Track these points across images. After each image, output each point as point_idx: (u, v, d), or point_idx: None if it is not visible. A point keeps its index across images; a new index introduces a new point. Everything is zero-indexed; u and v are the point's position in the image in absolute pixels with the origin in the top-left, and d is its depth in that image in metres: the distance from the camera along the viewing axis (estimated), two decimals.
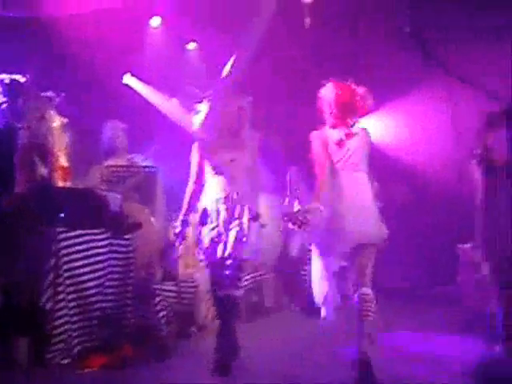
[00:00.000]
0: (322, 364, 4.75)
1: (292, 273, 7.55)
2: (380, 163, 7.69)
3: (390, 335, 5.43)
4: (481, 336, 4.95)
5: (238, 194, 4.53)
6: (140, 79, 7.79)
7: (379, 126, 7.55)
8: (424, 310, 6.63)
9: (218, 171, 4.54)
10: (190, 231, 6.20)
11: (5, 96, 5.11)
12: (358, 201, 4.23)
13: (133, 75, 7.85)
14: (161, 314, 5.24)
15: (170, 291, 5.67)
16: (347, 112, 4.32)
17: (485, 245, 4.86)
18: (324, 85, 4.38)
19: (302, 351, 5.15)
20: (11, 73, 5.26)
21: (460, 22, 6.55)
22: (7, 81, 5.18)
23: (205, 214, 4.61)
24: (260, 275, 7.05)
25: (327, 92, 4.36)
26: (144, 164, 5.81)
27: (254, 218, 4.59)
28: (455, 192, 5.17)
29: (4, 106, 5.07)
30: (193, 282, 5.92)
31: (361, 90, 4.32)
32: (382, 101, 7.04)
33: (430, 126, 7.00)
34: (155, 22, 8.03)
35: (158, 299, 5.31)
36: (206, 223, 4.59)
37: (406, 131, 7.36)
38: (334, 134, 4.31)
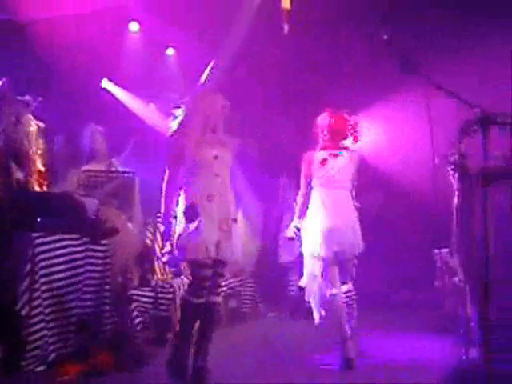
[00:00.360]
0: (300, 370, 4.77)
1: (273, 278, 7.59)
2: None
3: (369, 340, 5.49)
4: (458, 340, 5.00)
5: (221, 191, 4.46)
6: (118, 84, 7.77)
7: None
8: (402, 315, 6.69)
9: (202, 167, 4.47)
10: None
11: None
12: (338, 216, 4.95)
13: (110, 80, 7.83)
14: (137, 320, 5.22)
15: (146, 297, 5.64)
16: (337, 137, 5.09)
17: (460, 250, 4.92)
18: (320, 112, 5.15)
19: (280, 357, 5.16)
20: None
21: (439, 29, 6.65)
22: None
23: (192, 211, 4.41)
24: (239, 280, 7.07)
25: (322, 119, 5.15)
26: (122, 169, 5.78)
27: (235, 219, 4.55)
28: (431, 198, 5.24)
29: None
30: (170, 287, 5.90)
31: (353, 120, 5.09)
32: (359, 107, 7.11)
33: (407, 133, 7.07)
34: (134, 27, 8.03)
35: (134, 305, 5.29)
36: (193, 220, 4.38)
37: (383, 138, 7.42)
38: (321, 155, 5.08)
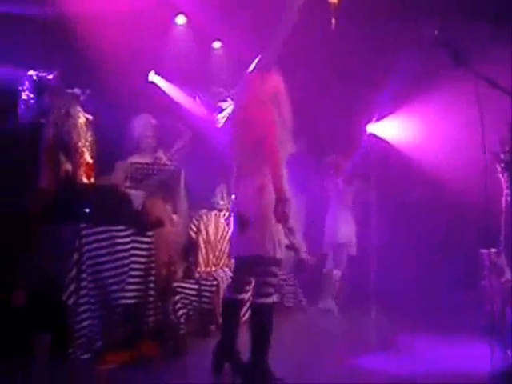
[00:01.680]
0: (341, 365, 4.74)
1: (316, 272, 7.57)
2: (401, 164, 7.66)
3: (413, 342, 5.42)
4: (504, 341, 4.90)
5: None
6: (165, 77, 7.81)
7: (403, 126, 7.51)
8: (447, 316, 6.58)
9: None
10: (210, 228, 6.24)
11: (32, 92, 5.16)
12: None
13: (157, 73, 7.87)
14: (181, 312, 5.27)
15: (190, 289, 5.69)
16: None
17: (509, 249, 4.82)
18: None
19: (322, 350, 5.15)
20: (38, 70, 5.30)
21: (489, 23, 6.50)
22: (35, 77, 5.24)
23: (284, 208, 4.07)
24: (281, 275, 7.05)
25: None
26: (168, 162, 5.81)
27: None
28: (479, 196, 5.11)
29: (31, 102, 5.13)
30: (213, 279, 5.94)
31: None
32: (407, 101, 6.99)
33: (455, 129, 6.93)
34: (180, 20, 8.05)
35: (178, 297, 5.34)
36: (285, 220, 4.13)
37: (431, 133, 7.30)
38: None
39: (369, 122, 7.91)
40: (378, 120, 7.82)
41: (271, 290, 4.15)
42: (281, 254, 4.17)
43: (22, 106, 5.18)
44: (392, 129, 7.67)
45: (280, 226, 4.14)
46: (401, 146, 7.60)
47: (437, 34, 3.58)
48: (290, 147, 4.26)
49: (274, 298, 4.22)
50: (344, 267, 7.65)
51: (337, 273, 7.56)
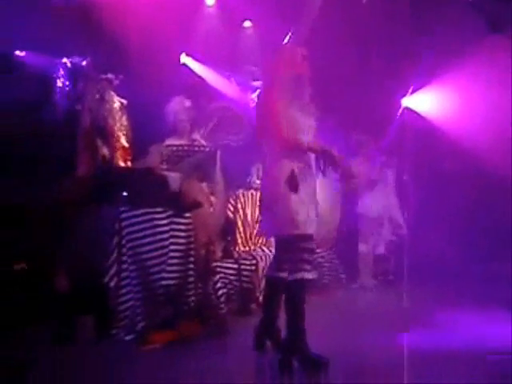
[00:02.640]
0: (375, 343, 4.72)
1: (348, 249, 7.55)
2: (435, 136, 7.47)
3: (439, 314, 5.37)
4: None
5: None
6: (196, 59, 7.80)
7: (438, 98, 7.35)
8: (476, 287, 6.46)
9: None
10: (247, 207, 6.26)
11: (66, 79, 5.23)
12: None
13: (188, 55, 7.87)
14: (221, 292, 5.30)
15: (229, 269, 5.72)
16: None
17: None
18: None
19: (358, 328, 5.14)
20: (72, 57, 5.36)
21: None
22: (69, 64, 5.29)
23: (293, 178, 4.14)
24: (320, 252, 7.04)
25: None
26: (204, 143, 5.82)
27: None
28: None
29: (66, 89, 5.19)
30: (252, 259, 5.97)
31: None
32: (441, 72, 6.84)
33: (490, 98, 6.77)
34: (210, 0, 8.02)
35: (218, 277, 5.37)
36: (296, 190, 4.13)
37: (464, 103, 7.12)
38: None
39: (404, 95, 7.80)
40: (413, 92, 7.70)
41: (306, 266, 4.15)
42: (312, 229, 4.19)
43: (58, 93, 5.25)
44: (426, 101, 7.53)
45: (307, 202, 4.15)
46: (435, 118, 7.46)
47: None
48: (311, 132, 4.22)
49: (310, 275, 4.18)
50: (382, 243, 7.61)
51: (369, 248, 7.50)
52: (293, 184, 4.09)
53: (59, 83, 5.26)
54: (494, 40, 3.57)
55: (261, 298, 5.77)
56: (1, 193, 5.09)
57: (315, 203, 4.26)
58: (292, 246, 4.17)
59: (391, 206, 7.63)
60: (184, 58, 7.80)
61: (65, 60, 5.37)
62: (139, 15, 6.67)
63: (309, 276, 4.16)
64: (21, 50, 6.45)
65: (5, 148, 5.36)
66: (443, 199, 7.27)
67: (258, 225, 6.15)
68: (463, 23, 5.80)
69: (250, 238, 6.30)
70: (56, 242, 5.01)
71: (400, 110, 7.70)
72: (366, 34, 7.93)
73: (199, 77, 7.81)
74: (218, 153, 5.70)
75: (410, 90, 7.75)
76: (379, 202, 7.55)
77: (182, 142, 5.75)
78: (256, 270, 5.89)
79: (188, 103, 5.93)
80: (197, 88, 7.41)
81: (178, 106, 5.84)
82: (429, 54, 6.88)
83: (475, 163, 7.17)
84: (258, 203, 6.35)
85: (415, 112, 7.47)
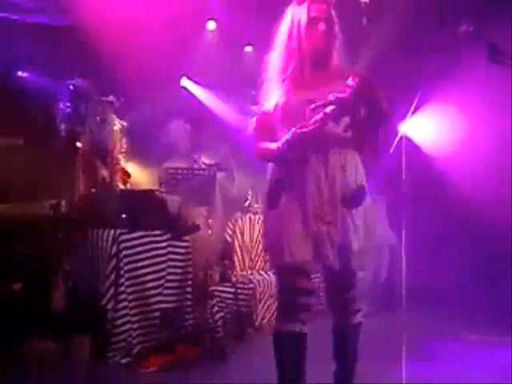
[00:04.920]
0: None
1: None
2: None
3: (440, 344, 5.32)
4: None
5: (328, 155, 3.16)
6: (197, 82, 7.86)
7: (435, 124, 7.32)
8: (479, 315, 6.42)
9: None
10: (245, 231, 6.26)
11: (68, 101, 5.26)
12: None
13: (188, 78, 7.92)
14: (218, 316, 5.29)
15: (226, 293, 5.71)
16: None
17: None
18: None
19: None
20: (74, 79, 5.40)
21: None
22: (71, 86, 5.33)
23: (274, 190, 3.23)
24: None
25: None
26: (204, 166, 5.85)
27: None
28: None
29: (67, 110, 5.22)
30: (250, 283, 5.96)
31: None
32: (439, 98, 6.83)
33: (490, 133, 6.75)
34: (211, 25, 8.09)
35: (215, 300, 5.36)
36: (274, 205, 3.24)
37: (462, 134, 7.10)
38: None
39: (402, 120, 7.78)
40: (411, 117, 7.67)
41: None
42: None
43: (59, 115, 5.28)
44: (425, 128, 7.50)
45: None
46: (433, 146, 7.43)
47: (470, 28, 3.50)
48: None
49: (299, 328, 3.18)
50: (380, 269, 7.58)
51: (364, 274, 7.45)
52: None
53: (61, 105, 5.29)
54: (494, 69, 3.59)
55: (257, 323, 5.77)
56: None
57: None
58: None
59: (387, 233, 7.62)
60: (184, 82, 7.86)
61: (67, 82, 5.40)
62: (141, 38, 6.73)
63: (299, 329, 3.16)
64: (22, 71, 6.51)
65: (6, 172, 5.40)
66: (441, 228, 7.24)
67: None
68: (463, 51, 5.84)
69: (248, 262, 6.30)
70: (54, 262, 5.01)
71: (397, 137, 7.64)
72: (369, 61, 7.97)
73: (199, 100, 7.86)
74: (218, 176, 5.73)
75: (409, 115, 7.73)
76: (375, 229, 7.52)
77: (182, 164, 5.78)
78: (253, 295, 5.87)
79: (187, 127, 5.98)
80: (196, 111, 7.46)
81: (177, 130, 5.89)
82: (427, 81, 6.91)
83: (475, 193, 7.15)
84: (255, 228, 6.41)
85: (413, 140, 7.43)
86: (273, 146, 3.10)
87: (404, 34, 7.19)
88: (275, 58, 3.28)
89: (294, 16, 3.18)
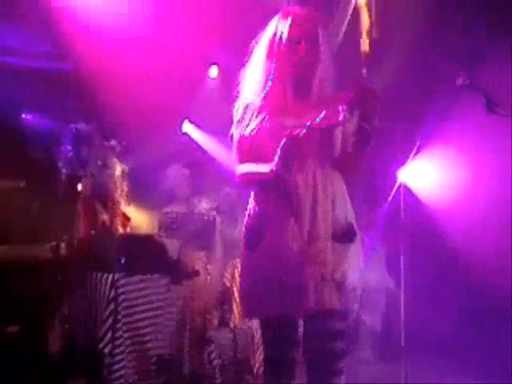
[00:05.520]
0: None
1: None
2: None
3: None
4: None
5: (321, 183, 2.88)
6: (198, 128, 7.93)
7: (431, 173, 7.29)
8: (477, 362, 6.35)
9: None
10: None
11: (71, 144, 5.31)
12: None
13: (190, 123, 8.00)
14: (215, 362, 5.25)
15: (225, 338, 5.67)
16: None
17: None
18: None
19: None
20: (76, 122, 5.46)
21: None
22: (73, 130, 5.39)
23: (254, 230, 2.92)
24: None
25: None
26: (203, 210, 5.87)
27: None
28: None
29: (70, 154, 5.27)
30: (248, 329, 5.91)
31: None
32: (443, 146, 6.85)
33: (491, 182, 6.74)
34: (213, 71, 8.19)
35: (213, 346, 5.32)
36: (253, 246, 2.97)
37: (463, 183, 7.07)
38: None
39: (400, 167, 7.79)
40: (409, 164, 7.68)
41: None
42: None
43: (62, 159, 5.32)
44: (422, 175, 7.46)
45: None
46: (432, 193, 7.40)
47: (466, 81, 3.57)
48: None
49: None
50: (380, 313, 7.54)
51: (369, 319, 7.44)
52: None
53: (63, 148, 5.34)
54: (492, 119, 3.63)
55: (255, 370, 5.72)
56: None
57: None
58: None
59: (386, 280, 7.60)
60: (186, 127, 7.94)
61: (69, 126, 5.46)
62: (143, 83, 6.82)
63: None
64: (26, 113, 6.59)
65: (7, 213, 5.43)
66: (439, 276, 7.22)
67: None
68: (461, 101, 5.91)
69: None
70: (52, 305, 4.99)
71: (396, 185, 7.63)
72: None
73: (199, 144, 7.93)
74: (218, 220, 5.76)
75: (407, 162, 7.73)
76: (374, 275, 7.52)
77: (182, 209, 5.81)
78: (252, 340, 5.82)
79: (186, 172, 6.04)
80: (197, 156, 7.53)
81: (176, 175, 5.95)
82: (426, 128, 6.94)
83: (474, 243, 7.10)
84: None
85: (412, 187, 7.40)
86: (263, 168, 2.74)
87: (403, 80, 7.30)
88: (253, 75, 2.95)
89: (276, 30, 2.87)
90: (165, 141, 7.22)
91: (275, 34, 2.85)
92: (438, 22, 6.58)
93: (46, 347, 4.82)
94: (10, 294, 5.10)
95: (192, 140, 7.91)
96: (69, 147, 5.30)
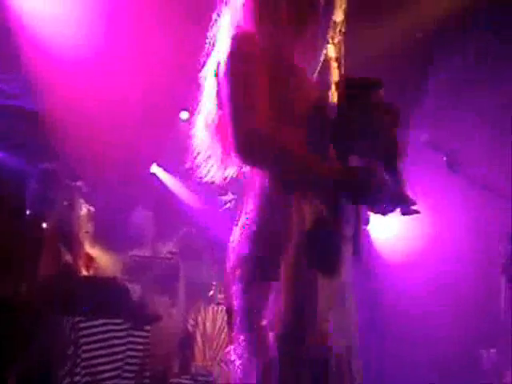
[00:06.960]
0: None
1: None
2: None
3: None
4: None
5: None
6: (167, 170, 7.93)
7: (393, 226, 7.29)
8: None
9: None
10: (207, 321, 6.19)
11: (38, 183, 5.27)
12: None
13: (159, 165, 8.00)
14: None
15: None
16: None
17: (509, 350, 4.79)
18: None
19: None
20: (44, 162, 5.43)
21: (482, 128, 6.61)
22: (42, 169, 5.36)
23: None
24: None
25: None
26: (167, 254, 5.86)
27: None
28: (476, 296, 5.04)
29: (37, 193, 5.22)
30: (209, 375, 5.85)
31: None
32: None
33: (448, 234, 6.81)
34: (184, 115, 8.23)
35: None
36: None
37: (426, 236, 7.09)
38: None
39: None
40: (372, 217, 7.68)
41: None
42: None
43: (29, 198, 5.28)
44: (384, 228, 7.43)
45: None
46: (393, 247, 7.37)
47: (428, 138, 3.68)
48: None
49: None
50: None
51: None
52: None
53: (31, 188, 5.30)
54: (452, 179, 3.73)
55: None
56: None
57: None
58: None
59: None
60: (154, 168, 7.94)
61: (38, 164, 5.43)
62: (112, 124, 6.82)
63: None
64: None
65: None
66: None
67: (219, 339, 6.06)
68: (422, 160, 6.01)
69: (209, 353, 6.19)
70: (9, 346, 4.87)
71: None
72: None
73: (167, 187, 7.91)
74: (182, 265, 5.74)
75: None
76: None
77: (146, 253, 5.79)
78: None
79: (151, 214, 6.03)
80: (164, 198, 7.51)
81: (140, 218, 5.94)
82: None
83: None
84: (218, 318, 6.34)
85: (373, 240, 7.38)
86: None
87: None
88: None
89: None
90: (131, 182, 7.20)
91: None
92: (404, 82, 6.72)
93: None
94: None
95: (159, 182, 7.89)
96: (36, 185, 5.26)
